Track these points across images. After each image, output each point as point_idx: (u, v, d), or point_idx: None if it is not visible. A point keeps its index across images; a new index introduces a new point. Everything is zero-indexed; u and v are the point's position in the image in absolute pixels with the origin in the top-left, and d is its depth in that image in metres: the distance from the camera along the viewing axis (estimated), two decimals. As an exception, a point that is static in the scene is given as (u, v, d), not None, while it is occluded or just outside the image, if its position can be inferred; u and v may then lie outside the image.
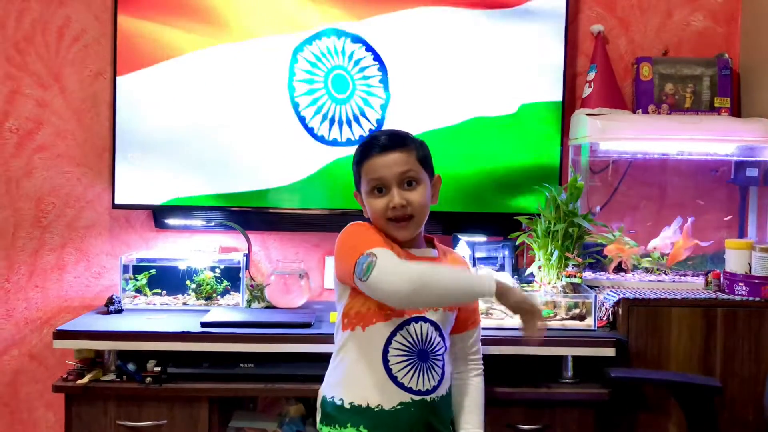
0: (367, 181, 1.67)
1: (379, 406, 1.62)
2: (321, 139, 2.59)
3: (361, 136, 2.55)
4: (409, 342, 1.64)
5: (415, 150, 1.69)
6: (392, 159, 1.65)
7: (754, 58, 2.67)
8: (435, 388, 1.66)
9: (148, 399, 2.13)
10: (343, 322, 1.69)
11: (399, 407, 1.62)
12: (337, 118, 2.59)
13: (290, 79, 2.57)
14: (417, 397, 1.64)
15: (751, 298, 2.26)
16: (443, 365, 1.69)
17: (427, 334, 1.65)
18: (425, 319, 1.65)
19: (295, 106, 2.58)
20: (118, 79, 2.54)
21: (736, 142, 2.50)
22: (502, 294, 1.55)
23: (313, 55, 2.57)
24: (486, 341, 2.07)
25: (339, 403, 1.66)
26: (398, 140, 1.69)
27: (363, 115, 2.59)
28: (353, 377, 1.65)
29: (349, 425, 1.63)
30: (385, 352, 1.63)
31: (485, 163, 2.61)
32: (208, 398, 2.14)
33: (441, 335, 1.68)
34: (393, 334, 1.63)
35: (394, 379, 1.63)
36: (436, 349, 1.67)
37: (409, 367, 1.64)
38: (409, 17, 2.58)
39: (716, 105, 2.63)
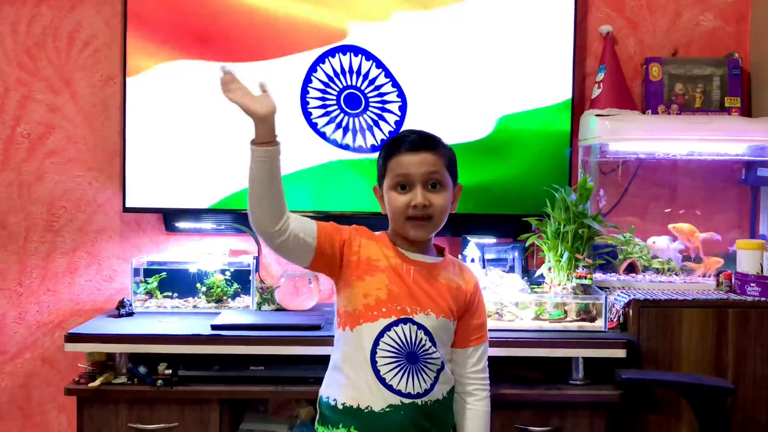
0: (392, 177, 1.67)
1: (369, 408, 1.62)
2: (333, 142, 2.60)
3: (381, 140, 2.56)
4: (397, 344, 1.63)
5: (444, 154, 1.69)
6: (421, 158, 1.65)
7: (765, 57, 2.65)
8: (427, 392, 1.64)
9: (160, 401, 2.14)
10: (337, 320, 1.70)
11: (388, 409, 1.61)
12: (351, 128, 2.59)
13: (303, 86, 2.58)
14: (407, 400, 1.62)
15: (763, 299, 2.24)
16: (439, 370, 1.66)
17: (416, 336, 1.64)
18: (413, 322, 1.64)
19: (307, 115, 2.59)
20: (128, 79, 2.56)
21: (747, 141, 2.48)
22: (258, 122, 1.55)
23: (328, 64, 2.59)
24: (496, 343, 2.07)
25: (333, 403, 1.66)
26: (430, 141, 1.69)
27: (377, 125, 2.60)
28: (344, 377, 1.66)
29: (341, 426, 1.64)
30: (373, 353, 1.62)
31: (495, 165, 2.60)
32: (219, 401, 2.15)
33: (432, 341, 1.65)
34: (380, 335, 1.63)
35: (382, 380, 1.62)
36: (426, 352, 1.65)
37: (398, 368, 1.63)
38: (415, 21, 2.59)
39: (726, 105, 2.62)
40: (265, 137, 1.56)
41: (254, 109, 1.54)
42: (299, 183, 2.58)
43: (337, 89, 2.59)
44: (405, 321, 1.63)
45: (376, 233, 1.74)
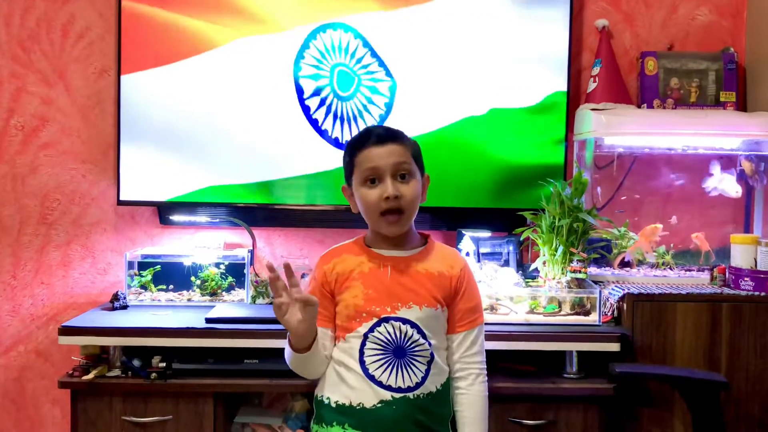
0: (360, 172, 1.67)
1: (361, 405, 1.64)
2: (326, 136, 2.59)
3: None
4: (383, 340, 1.65)
5: (409, 145, 1.70)
6: (388, 150, 1.65)
7: (760, 52, 2.65)
8: (418, 385, 1.65)
9: (154, 395, 2.14)
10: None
11: (380, 405, 1.63)
12: (341, 114, 2.59)
13: (296, 74, 2.57)
14: (398, 395, 1.63)
15: (756, 293, 2.25)
16: (429, 362, 1.67)
17: (401, 332, 1.65)
18: (396, 318, 1.65)
19: (305, 110, 2.58)
20: (123, 77, 2.55)
21: (742, 136, 2.49)
22: (292, 334, 1.61)
23: (318, 51, 2.57)
24: (490, 336, 2.07)
25: (327, 402, 1.69)
26: (394, 133, 1.70)
27: (367, 109, 2.59)
28: (337, 377, 1.68)
29: (335, 424, 1.66)
30: (361, 352, 1.65)
31: (489, 159, 2.60)
32: (213, 394, 2.15)
33: (421, 333, 1.66)
34: (365, 336, 1.65)
35: (371, 377, 1.64)
36: (413, 346, 1.65)
37: (386, 364, 1.64)
38: (413, 14, 2.58)
39: (722, 99, 2.62)
40: (300, 345, 1.62)
41: (300, 332, 1.58)
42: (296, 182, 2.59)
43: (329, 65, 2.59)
44: (387, 320, 1.65)
45: (347, 242, 1.76)
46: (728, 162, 2.62)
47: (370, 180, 1.66)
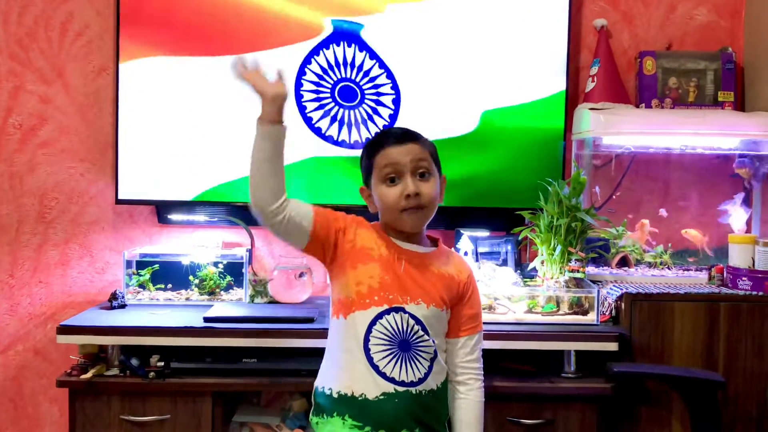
0: (380, 170, 1.67)
1: (363, 395, 1.63)
2: (328, 138, 2.59)
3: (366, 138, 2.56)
4: (390, 332, 1.64)
5: (428, 145, 1.72)
6: (408, 148, 1.66)
7: (758, 52, 2.66)
8: (421, 381, 1.64)
9: (152, 394, 2.13)
10: (332, 309, 1.72)
11: (382, 397, 1.62)
12: (346, 121, 2.59)
13: (297, 78, 2.57)
14: (401, 388, 1.63)
15: (754, 293, 2.26)
16: (432, 358, 1.67)
17: (408, 325, 1.65)
18: (405, 311, 1.64)
19: (303, 110, 2.58)
20: (121, 65, 2.54)
21: (740, 136, 2.49)
22: (264, 108, 1.60)
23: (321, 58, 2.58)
24: (488, 336, 2.08)
25: (327, 392, 1.67)
26: (413, 133, 1.72)
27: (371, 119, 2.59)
28: (339, 366, 1.67)
29: (335, 414, 1.64)
30: (366, 340, 1.63)
31: (488, 158, 2.60)
32: (212, 393, 2.14)
33: (425, 330, 1.66)
34: (372, 323, 1.64)
35: (375, 367, 1.63)
36: (419, 341, 1.65)
37: (390, 356, 1.63)
38: (410, 13, 2.58)
39: (720, 99, 2.62)
40: (272, 116, 1.59)
41: (265, 88, 1.59)
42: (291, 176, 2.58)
43: (332, 82, 2.58)
44: (396, 310, 1.64)
45: (372, 223, 1.75)
46: (725, 161, 2.63)
47: (389, 179, 1.66)
